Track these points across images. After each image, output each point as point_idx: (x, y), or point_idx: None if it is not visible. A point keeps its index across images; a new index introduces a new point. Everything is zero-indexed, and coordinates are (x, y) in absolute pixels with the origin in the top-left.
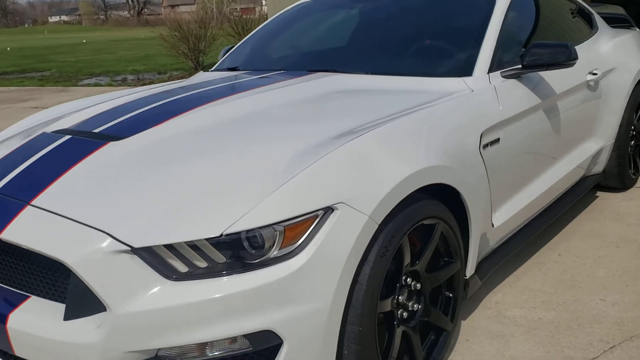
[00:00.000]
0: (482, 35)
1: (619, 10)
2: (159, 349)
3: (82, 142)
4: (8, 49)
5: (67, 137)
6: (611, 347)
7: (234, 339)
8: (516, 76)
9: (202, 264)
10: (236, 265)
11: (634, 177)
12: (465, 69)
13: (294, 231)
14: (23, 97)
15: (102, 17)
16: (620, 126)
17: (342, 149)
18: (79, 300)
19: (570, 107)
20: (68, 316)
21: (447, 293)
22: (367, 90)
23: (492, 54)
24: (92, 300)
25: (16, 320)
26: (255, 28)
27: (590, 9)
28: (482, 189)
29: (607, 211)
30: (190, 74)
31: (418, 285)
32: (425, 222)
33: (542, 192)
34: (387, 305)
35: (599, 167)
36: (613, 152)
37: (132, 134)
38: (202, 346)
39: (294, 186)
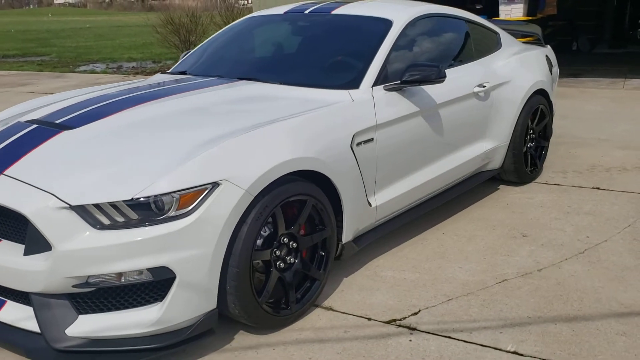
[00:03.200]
0: (372, 56)
1: (534, 29)
2: (88, 276)
3: (45, 130)
4: (12, 30)
5: (35, 125)
6: (449, 300)
7: (140, 272)
8: (397, 89)
9: (120, 218)
10: (144, 220)
11: (531, 173)
12: (353, 83)
13: (187, 198)
14: (21, 81)
15: (107, 0)
16: (515, 130)
17: (230, 141)
18: (34, 241)
19: (456, 113)
20: (27, 252)
21: (321, 252)
22: (273, 97)
23: (378, 71)
24: (42, 241)
25: None
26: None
27: (497, 30)
28: (353, 177)
29: (500, 201)
30: None
31: (294, 244)
32: (298, 197)
33: (425, 182)
34: (267, 255)
35: (495, 164)
36: (509, 151)
37: (81, 125)
38: (119, 275)
39: (190, 165)
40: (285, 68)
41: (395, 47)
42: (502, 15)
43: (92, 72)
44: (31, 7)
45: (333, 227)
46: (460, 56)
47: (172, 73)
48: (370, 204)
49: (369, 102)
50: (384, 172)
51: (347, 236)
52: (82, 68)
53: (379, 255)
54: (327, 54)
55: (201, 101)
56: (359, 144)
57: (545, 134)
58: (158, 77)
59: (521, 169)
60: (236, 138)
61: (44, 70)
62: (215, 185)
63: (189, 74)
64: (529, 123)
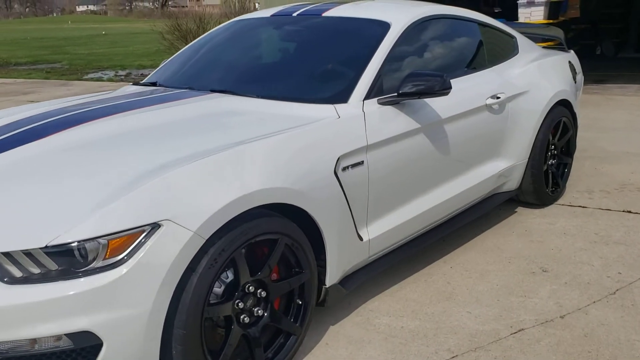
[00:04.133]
0: (364, 65)
1: (555, 32)
2: None
3: None
4: (28, 38)
5: None
6: (453, 357)
7: (58, 337)
8: (394, 103)
9: (36, 269)
10: (65, 272)
11: (552, 194)
12: (341, 96)
13: (118, 244)
14: (25, 89)
15: (127, 8)
16: (534, 146)
17: (178, 171)
18: None
19: (465, 129)
20: None
21: (298, 300)
22: (245, 113)
23: (371, 82)
24: None
25: None
26: None
27: (514, 34)
28: (338, 208)
29: (518, 227)
30: None
31: (263, 293)
32: (266, 237)
33: (429, 209)
34: (227, 309)
35: (511, 184)
36: (527, 170)
37: (8, 149)
38: (32, 342)
39: (122, 203)
40: (264, 79)
41: (393, 54)
42: (522, 19)
43: (99, 79)
44: (54, 15)
45: (313, 269)
46: (471, 63)
47: (142, 84)
48: (361, 238)
49: (358, 119)
50: (378, 200)
51: (332, 278)
52: (90, 75)
53: (373, 297)
54: (314, 63)
55: (158, 119)
56: (345, 168)
57: (568, 150)
58: (125, 89)
59: (541, 189)
60: (185, 167)
61: (50, 78)
62: (154, 226)
63: (159, 85)
64: (550, 138)
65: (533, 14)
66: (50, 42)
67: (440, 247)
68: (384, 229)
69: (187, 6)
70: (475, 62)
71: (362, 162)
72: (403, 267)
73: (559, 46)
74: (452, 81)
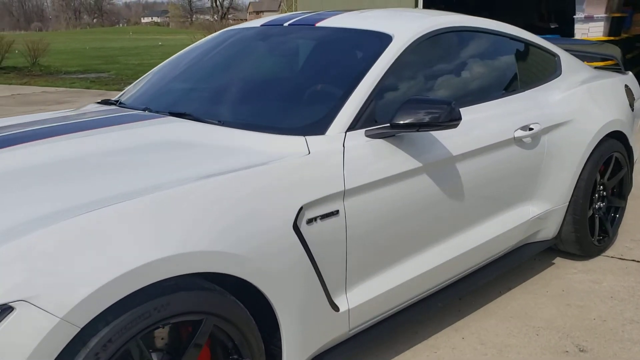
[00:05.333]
0: (352, 87)
1: (611, 50)
2: None
3: None
4: (87, 47)
5: None
6: None
7: None
8: (386, 136)
9: None
10: None
11: (598, 244)
12: (317, 126)
13: None
14: (62, 99)
15: (188, 20)
16: (577, 187)
17: (44, 233)
18: None
19: (485, 168)
20: None
21: None
22: (191, 144)
23: (359, 109)
24: None
25: None
26: None
27: (557, 51)
28: (300, 273)
29: (553, 285)
30: None
31: None
32: (182, 319)
33: (435, 267)
34: None
35: (547, 232)
36: (567, 216)
37: None
38: None
39: None
40: (232, 101)
41: (393, 74)
42: (579, 35)
43: None
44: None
45: (258, 357)
46: (497, 87)
47: (104, 102)
48: (336, 308)
49: (335, 156)
50: (361, 260)
51: None
52: None
53: None
54: (292, 83)
55: (78, 148)
56: (312, 220)
57: (621, 191)
58: (87, 108)
59: (585, 239)
60: (57, 225)
61: (92, 88)
62: (5, 310)
63: (120, 105)
64: (598, 177)
65: (591, 30)
66: (106, 52)
67: (453, 308)
68: (370, 295)
69: (246, 19)
70: (502, 85)
71: (337, 211)
72: (400, 337)
73: (614, 67)
74: (471, 109)
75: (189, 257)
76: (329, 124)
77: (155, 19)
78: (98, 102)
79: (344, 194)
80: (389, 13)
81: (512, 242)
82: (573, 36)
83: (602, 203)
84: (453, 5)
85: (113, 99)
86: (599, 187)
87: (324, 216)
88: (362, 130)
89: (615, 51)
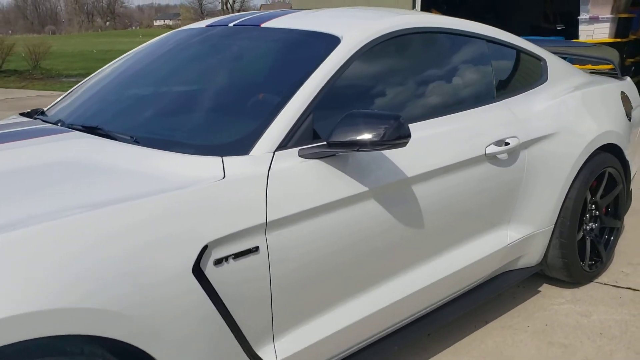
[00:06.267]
0: (286, 99)
1: (607, 53)
2: None
3: None
4: (94, 51)
5: None
6: None
7: None
8: (324, 156)
9: None
10: None
11: (590, 270)
12: (239, 144)
13: None
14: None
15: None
16: (564, 208)
17: None
18: None
19: (448, 190)
20: None
21: None
22: (87, 165)
23: (292, 124)
24: None
25: None
26: None
27: (543, 55)
28: (205, 329)
29: (537, 317)
30: None
31: None
32: None
33: (388, 305)
34: None
35: (530, 259)
36: (553, 239)
37: None
38: None
39: None
40: (149, 114)
41: (339, 82)
42: (583, 37)
43: None
44: (132, 28)
45: None
46: (467, 96)
47: (29, 114)
48: None
49: (256, 181)
50: (291, 302)
51: None
52: None
53: None
54: (222, 92)
55: None
56: (220, 261)
57: (616, 210)
58: (6, 120)
59: (574, 265)
60: None
61: None
62: None
63: (37, 117)
64: (589, 195)
65: (597, 32)
66: (113, 55)
67: (419, 345)
68: (307, 342)
69: None
70: (474, 94)
71: (257, 248)
72: None
73: (611, 72)
74: (433, 122)
75: (46, 316)
76: (254, 142)
77: (167, 21)
78: (21, 114)
79: (266, 227)
80: (344, 12)
81: (486, 272)
82: (577, 38)
83: (594, 224)
84: (456, 7)
85: (42, 109)
86: (590, 207)
87: (239, 255)
88: (296, 150)
89: (613, 54)
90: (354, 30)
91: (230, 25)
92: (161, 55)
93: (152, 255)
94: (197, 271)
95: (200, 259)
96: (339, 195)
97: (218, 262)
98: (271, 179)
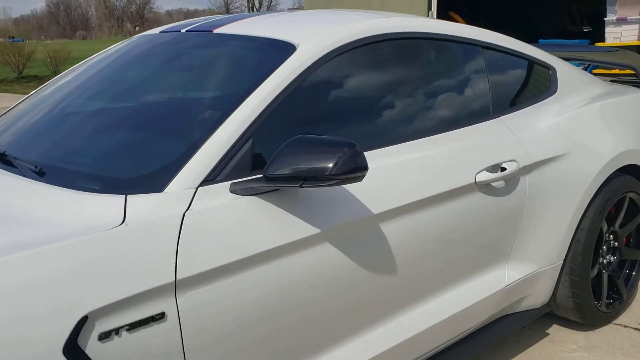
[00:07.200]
0: (220, 121)
1: (629, 59)
2: None
3: None
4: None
5: None
6: None
7: None
8: (263, 191)
9: None
10: None
11: (607, 310)
12: (152, 179)
13: None
14: None
15: None
16: (575, 240)
17: None
18: None
19: (429, 226)
20: None
21: None
22: None
23: (225, 152)
24: None
25: None
26: None
27: (554, 63)
28: None
29: None
30: None
31: None
32: None
33: None
34: None
35: (535, 300)
36: (563, 276)
37: None
38: None
39: None
40: (56, 137)
41: (290, 97)
42: (610, 40)
43: None
44: (129, 36)
45: None
46: (456, 114)
47: None
48: None
49: (166, 227)
50: None
51: None
52: None
53: None
54: (147, 111)
55: None
56: (107, 335)
57: (639, 240)
58: None
59: (587, 305)
60: None
61: None
62: None
63: None
64: (605, 225)
65: (624, 34)
66: None
67: None
68: None
69: None
70: (464, 111)
71: (163, 315)
72: None
73: (635, 80)
74: (409, 146)
75: None
76: (173, 175)
77: None
78: None
79: (176, 287)
80: (308, 15)
81: (480, 319)
82: (604, 41)
83: (613, 257)
84: (478, 9)
85: None
86: (608, 237)
87: (136, 325)
88: (228, 184)
89: (635, 60)
90: (314, 37)
91: (183, 31)
92: (103, 67)
93: (14, 333)
94: (73, 350)
95: (79, 334)
96: (282, 240)
97: (105, 336)
98: (187, 223)
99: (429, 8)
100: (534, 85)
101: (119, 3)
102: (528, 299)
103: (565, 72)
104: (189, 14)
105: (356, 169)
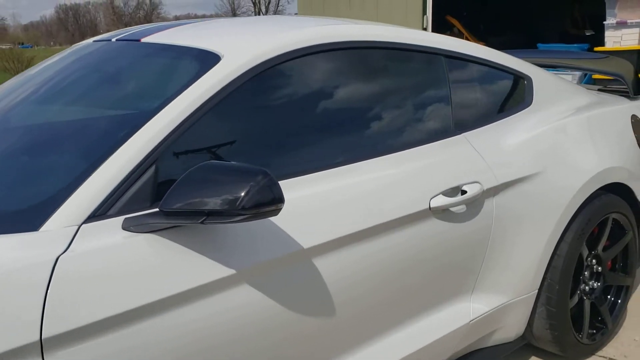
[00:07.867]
0: (117, 145)
1: (618, 67)
2: None
3: None
4: None
5: None
6: None
7: None
8: (161, 228)
9: None
10: None
11: (589, 341)
12: (29, 215)
13: None
14: None
15: None
16: (552, 267)
17: None
18: None
19: (371, 258)
20: None
21: None
22: None
23: (119, 181)
24: None
25: None
26: None
27: (529, 72)
28: None
29: None
30: None
31: None
32: None
33: None
34: None
35: (507, 333)
36: (539, 307)
37: None
38: None
39: None
40: None
41: (209, 116)
42: (609, 43)
43: None
44: None
45: None
46: (408, 131)
47: None
48: None
49: (32, 275)
50: None
51: None
52: None
53: None
54: (38, 133)
55: None
56: None
57: (625, 265)
58: None
59: (566, 337)
60: None
61: None
62: None
63: None
64: (585, 250)
65: (624, 38)
66: None
67: None
68: None
69: None
70: (420, 127)
71: None
72: None
73: (624, 90)
74: (352, 169)
75: None
76: (52, 210)
77: None
78: None
79: (42, 348)
80: (242, 23)
81: (443, 356)
82: (604, 45)
83: (596, 283)
84: (477, 14)
85: None
86: (590, 262)
87: None
88: (121, 219)
89: (624, 68)
90: (242, 47)
91: (114, 40)
92: (28, 79)
93: None
94: None
95: None
96: (183, 285)
97: None
98: (61, 268)
99: (424, 12)
100: (506, 97)
101: (127, 9)
102: (499, 332)
103: (543, 81)
104: (197, 18)
105: (271, 202)
